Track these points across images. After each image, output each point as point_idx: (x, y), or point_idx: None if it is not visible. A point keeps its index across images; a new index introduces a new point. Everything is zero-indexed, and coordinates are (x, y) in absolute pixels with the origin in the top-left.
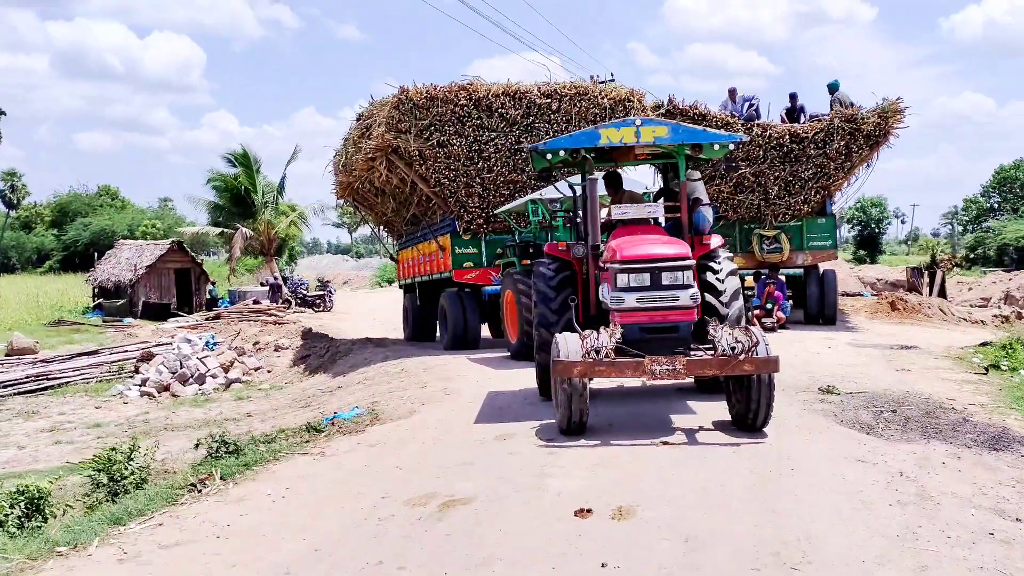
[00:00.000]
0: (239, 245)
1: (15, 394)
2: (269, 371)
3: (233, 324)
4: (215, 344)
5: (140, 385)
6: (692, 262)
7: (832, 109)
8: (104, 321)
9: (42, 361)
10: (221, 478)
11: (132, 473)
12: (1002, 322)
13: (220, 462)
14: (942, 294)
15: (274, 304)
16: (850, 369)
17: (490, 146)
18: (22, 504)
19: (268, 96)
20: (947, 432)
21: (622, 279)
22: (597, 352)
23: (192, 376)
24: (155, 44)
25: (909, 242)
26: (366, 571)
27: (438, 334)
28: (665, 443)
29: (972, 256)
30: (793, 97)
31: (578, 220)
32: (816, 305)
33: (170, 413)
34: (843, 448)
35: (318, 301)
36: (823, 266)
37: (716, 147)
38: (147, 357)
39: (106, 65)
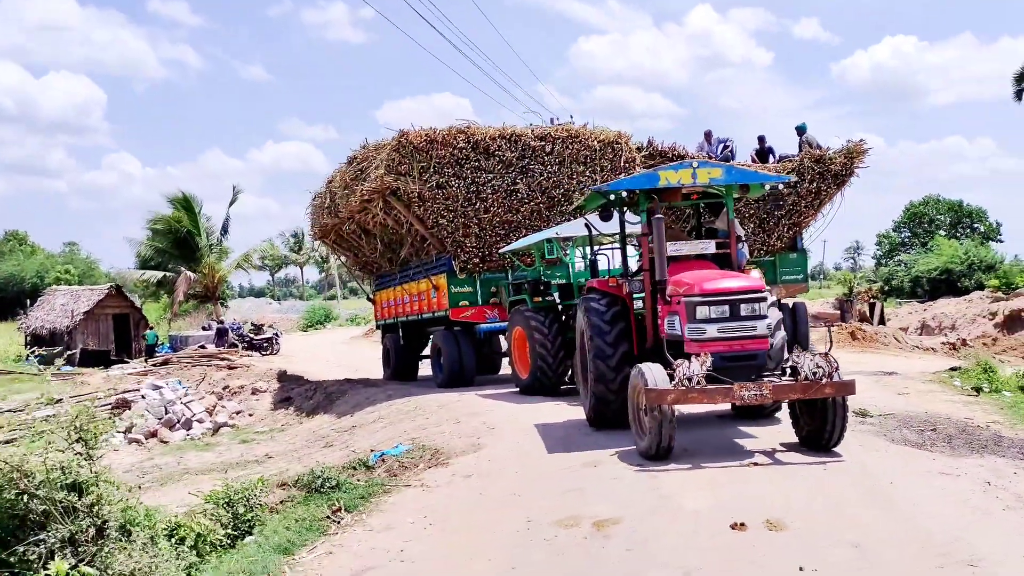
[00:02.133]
0: (182, 289)
1: None
2: (251, 415)
3: (186, 369)
4: (185, 390)
5: (124, 432)
6: (767, 294)
7: (801, 150)
8: (40, 370)
9: (8, 411)
10: (345, 509)
11: (250, 510)
12: (951, 349)
13: (329, 496)
14: (881, 322)
15: (221, 348)
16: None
17: (487, 187)
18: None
19: (171, 137)
20: (991, 447)
21: (702, 311)
22: (689, 380)
23: (179, 421)
24: (52, 84)
25: (820, 277)
26: None
27: (431, 372)
28: (754, 464)
29: (887, 288)
30: (762, 140)
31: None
32: (790, 336)
33: (178, 458)
34: (919, 463)
35: (266, 344)
36: (794, 299)
37: (766, 187)
38: (123, 404)
39: None
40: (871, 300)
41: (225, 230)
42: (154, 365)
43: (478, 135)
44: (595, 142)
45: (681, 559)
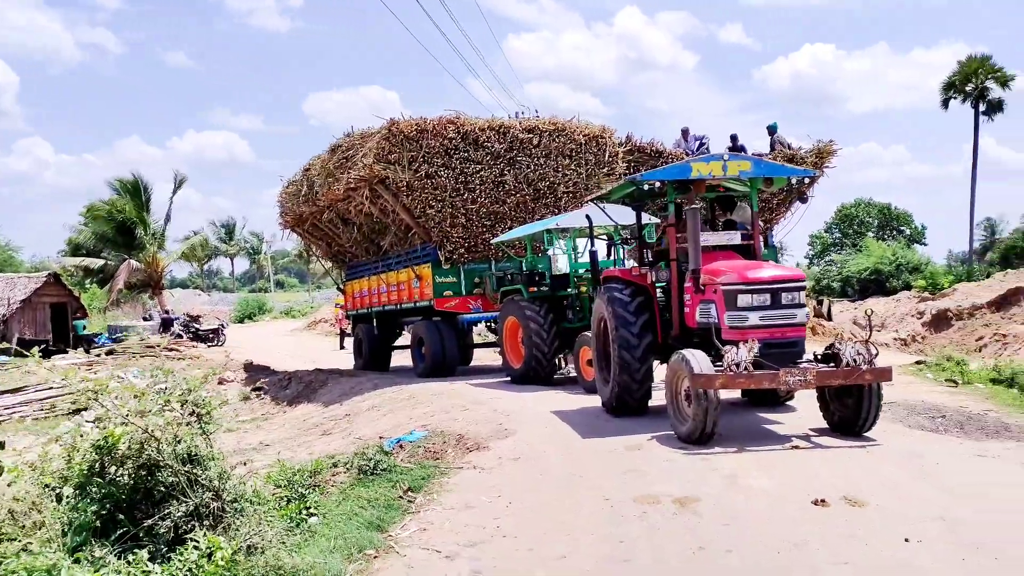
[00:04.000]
0: (123, 278)
1: None
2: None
3: (135, 360)
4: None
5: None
6: (805, 283)
7: (773, 149)
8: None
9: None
10: (410, 490)
11: (312, 490)
12: (903, 344)
13: (388, 477)
14: (829, 318)
15: (167, 339)
16: None
17: (475, 178)
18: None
19: (88, 123)
20: (1003, 433)
21: (744, 299)
22: (737, 366)
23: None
24: None
25: None
26: (698, 556)
27: (408, 362)
28: (795, 447)
29: (818, 288)
30: (734, 138)
31: (645, 245)
32: None
33: None
34: (950, 446)
35: (211, 335)
36: None
37: (792, 179)
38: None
39: None
40: (819, 298)
41: (168, 218)
42: (98, 356)
43: (468, 126)
44: (581, 136)
45: (784, 532)
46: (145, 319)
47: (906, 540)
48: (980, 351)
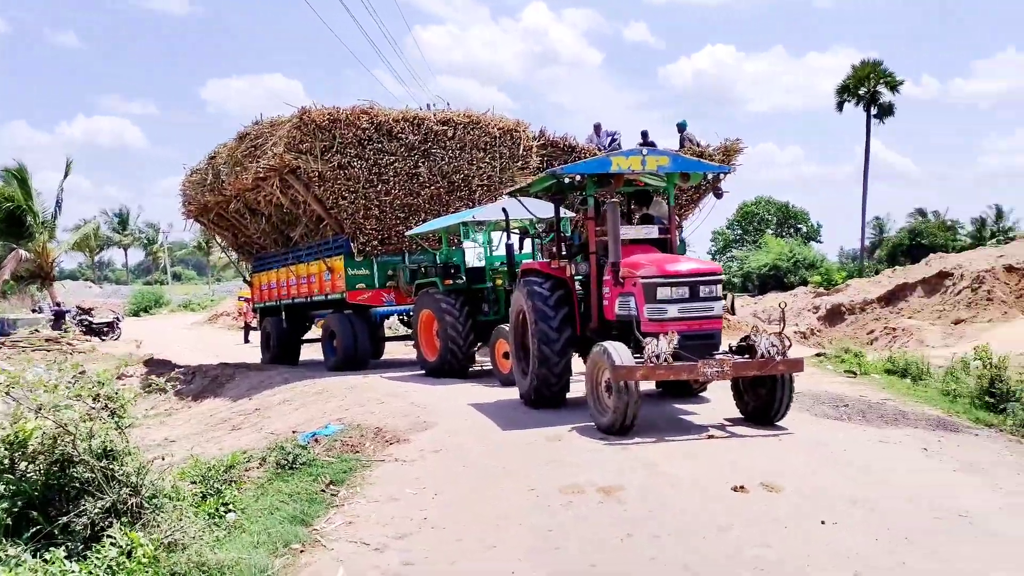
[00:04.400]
0: (10, 268)
1: None
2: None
3: (25, 354)
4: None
5: None
6: (723, 276)
7: (683, 146)
8: None
9: None
10: (332, 483)
11: (227, 486)
12: (802, 337)
13: (308, 471)
14: (732, 312)
15: (59, 332)
16: None
17: (389, 169)
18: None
19: None
20: (901, 420)
21: (663, 292)
22: (657, 357)
23: None
24: None
25: None
26: (625, 543)
27: (320, 356)
28: (712, 437)
29: None
30: (644, 135)
31: (563, 239)
32: None
33: None
34: (855, 433)
35: (106, 329)
36: None
37: (709, 176)
38: None
39: None
40: (724, 292)
41: (59, 206)
42: None
43: (382, 117)
44: (495, 129)
45: (707, 518)
46: (34, 311)
47: (823, 522)
48: (871, 344)
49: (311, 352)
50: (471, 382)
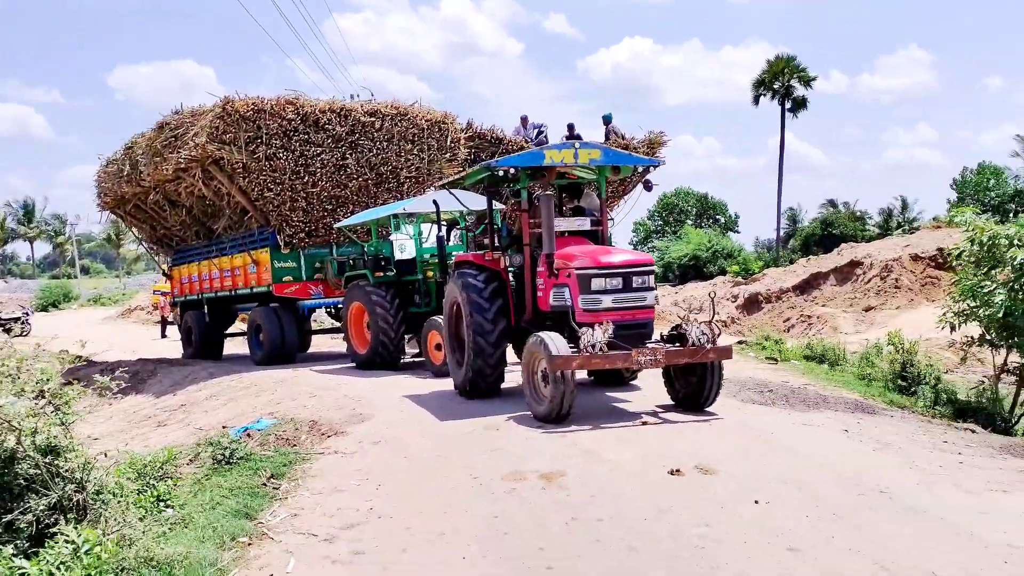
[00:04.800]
0: None
1: None
2: None
3: None
4: None
5: None
6: (655, 267)
7: (608, 139)
8: None
9: None
10: (272, 477)
11: (161, 481)
12: (723, 326)
13: (246, 466)
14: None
15: None
16: None
17: (316, 161)
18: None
19: None
20: (822, 404)
21: (597, 283)
22: (593, 347)
23: None
24: None
25: None
26: (570, 527)
27: (246, 350)
28: (645, 423)
29: None
30: (571, 127)
31: (496, 231)
32: None
33: None
34: (780, 417)
35: (14, 325)
36: None
37: (639, 168)
38: None
39: None
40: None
41: None
42: None
43: (308, 107)
44: (423, 121)
45: (647, 500)
46: None
47: (756, 502)
48: (788, 331)
49: (233, 347)
50: (403, 374)
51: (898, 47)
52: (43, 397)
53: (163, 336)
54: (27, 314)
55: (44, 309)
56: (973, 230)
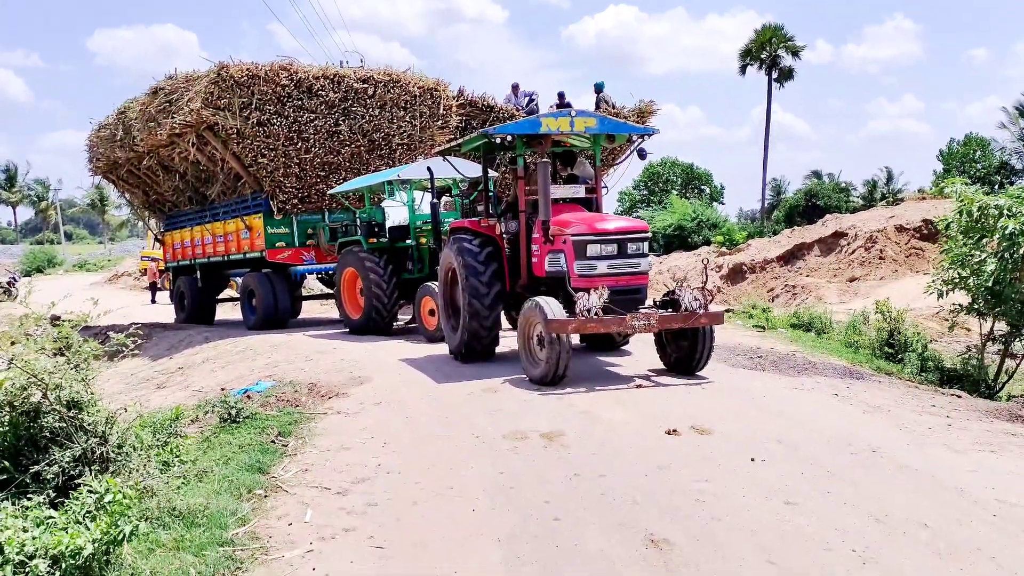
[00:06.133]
0: None
1: None
2: None
3: None
4: None
5: None
6: (649, 234)
7: (599, 107)
8: None
9: None
10: (280, 434)
11: (172, 438)
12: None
13: (253, 424)
14: None
15: None
16: None
17: (309, 127)
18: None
19: None
20: (811, 370)
21: (593, 249)
22: (589, 311)
23: None
24: None
25: None
26: (574, 482)
27: (240, 315)
28: (639, 386)
29: None
30: (561, 96)
31: (490, 197)
32: None
33: None
34: (771, 382)
35: (2, 290)
36: None
37: (632, 136)
38: None
39: None
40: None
41: None
42: None
43: (301, 73)
44: (415, 88)
45: (646, 458)
46: None
47: (752, 460)
48: (772, 301)
49: (223, 312)
50: (396, 339)
51: (884, 17)
52: (62, 354)
53: (153, 302)
54: (14, 279)
55: (28, 275)
56: (963, 200)
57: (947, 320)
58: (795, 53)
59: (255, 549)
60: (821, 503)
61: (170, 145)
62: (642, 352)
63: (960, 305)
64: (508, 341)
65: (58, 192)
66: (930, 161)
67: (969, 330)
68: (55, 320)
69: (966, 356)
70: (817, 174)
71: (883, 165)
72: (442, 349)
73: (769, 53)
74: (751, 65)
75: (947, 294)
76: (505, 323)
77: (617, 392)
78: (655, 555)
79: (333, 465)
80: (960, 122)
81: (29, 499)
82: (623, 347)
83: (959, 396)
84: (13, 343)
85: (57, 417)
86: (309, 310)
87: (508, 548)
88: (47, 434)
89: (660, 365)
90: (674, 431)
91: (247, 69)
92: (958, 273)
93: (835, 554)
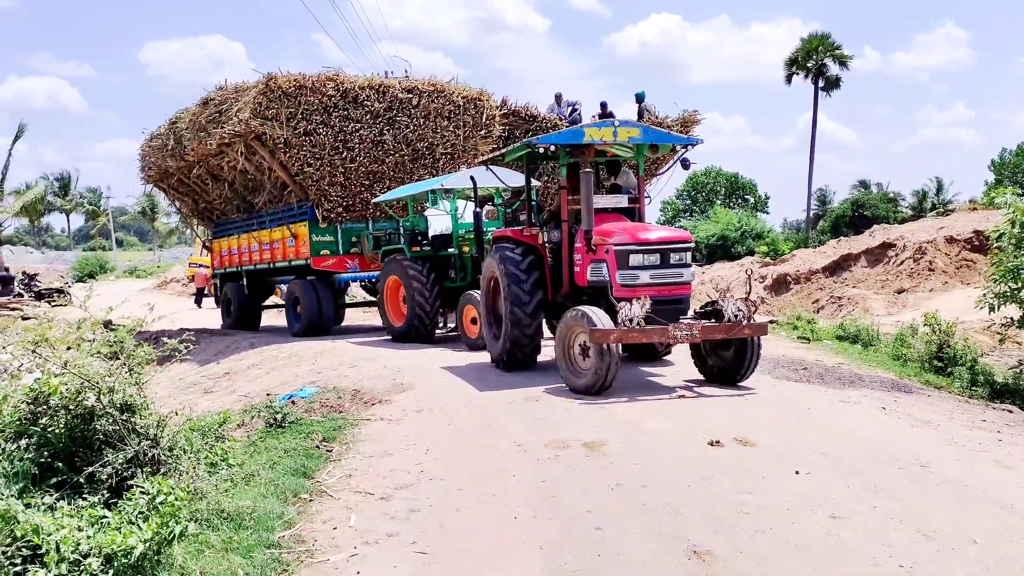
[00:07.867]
0: None
1: None
2: None
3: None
4: None
5: None
6: (692, 244)
7: (642, 117)
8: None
9: None
10: (324, 440)
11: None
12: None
13: (298, 429)
14: None
15: (8, 298)
16: None
17: (354, 137)
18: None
19: None
20: (857, 383)
21: (635, 259)
22: (631, 321)
23: (4, 371)
24: None
25: None
26: (616, 491)
27: (285, 322)
28: (682, 396)
29: None
30: (603, 105)
31: (532, 205)
32: None
33: None
34: (817, 394)
35: (56, 295)
36: None
37: (676, 147)
38: None
39: None
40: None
41: (6, 170)
42: None
43: (347, 84)
44: (459, 98)
45: (689, 469)
46: None
47: (796, 472)
48: (818, 312)
49: (268, 319)
50: (438, 347)
51: (935, 25)
52: (117, 359)
53: (198, 307)
54: (68, 285)
55: (80, 280)
56: (1014, 211)
57: (998, 334)
58: (842, 62)
59: (301, 552)
60: (868, 517)
61: (219, 154)
62: (684, 362)
63: (1011, 319)
64: (550, 350)
65: (110, 200)
66: (981, 171)
67: (1020, 344)
68: (109, 325)
69: (1018, 370)
70: (864, 184)
71: (932, 175)
72: (484, 357)
73: (816, 62)
74: (797, 74)
75: (998, 307)
76: (547, 332)
77: (659, 402)
78: (698, 566)
79: (376, 471)
80: (1011, 130)
81: (84, 499)
82: (665, 357)
83: (1010, 411)
84: (69, 348)
85: (110, 420)
86: (352, 317)
87: (550, 556)
88: (101, 436)
89: (700, 376)
90: (717, 442)
91: (294, 80)
92: (1009, 286)
93: (882, 569)
